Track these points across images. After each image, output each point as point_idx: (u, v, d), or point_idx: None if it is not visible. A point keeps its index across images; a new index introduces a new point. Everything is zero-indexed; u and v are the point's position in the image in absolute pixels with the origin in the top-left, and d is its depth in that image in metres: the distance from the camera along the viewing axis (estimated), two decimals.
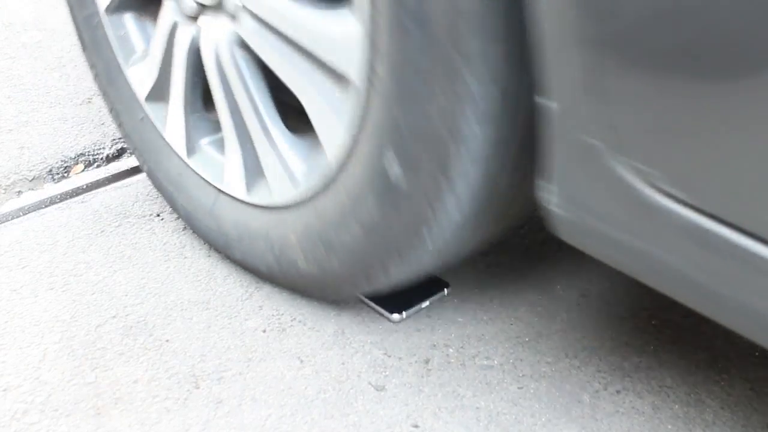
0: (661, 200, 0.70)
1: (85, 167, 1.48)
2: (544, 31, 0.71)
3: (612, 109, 0.70)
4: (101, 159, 1.50)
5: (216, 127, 1.15)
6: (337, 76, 0.91)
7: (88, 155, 1.50)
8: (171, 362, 1.07)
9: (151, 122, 1.21)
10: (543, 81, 0.74)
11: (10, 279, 1.21)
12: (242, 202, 1.10)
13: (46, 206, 1.37)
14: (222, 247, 1.18)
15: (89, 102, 1.67)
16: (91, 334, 1.11)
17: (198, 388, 1.04)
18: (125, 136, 1.29)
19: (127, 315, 1.14)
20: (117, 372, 1.05)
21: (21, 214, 1.35)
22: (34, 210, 1.36)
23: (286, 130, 1.05)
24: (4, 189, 1.42)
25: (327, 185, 0.96)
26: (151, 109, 1.21)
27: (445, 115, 0.80)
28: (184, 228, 1.31)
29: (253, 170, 1.09)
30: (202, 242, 1.27)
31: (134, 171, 1.47)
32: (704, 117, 0.64)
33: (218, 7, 1.03)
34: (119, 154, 1.53)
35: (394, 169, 0.86)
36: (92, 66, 1.27)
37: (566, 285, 1.20)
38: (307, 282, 1.07)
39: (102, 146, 1.53)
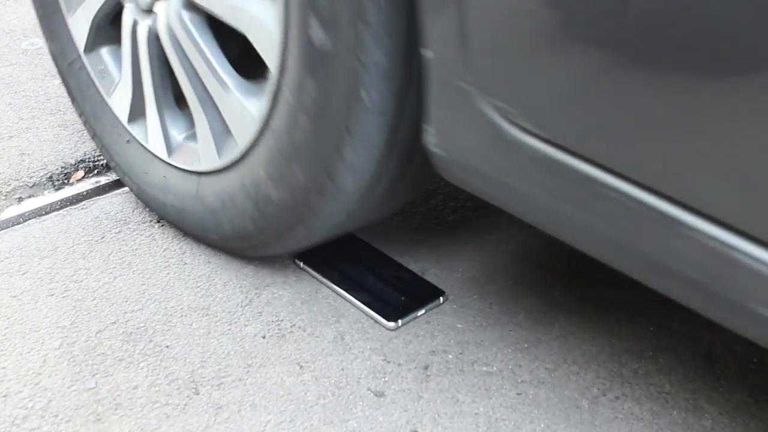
0: (518, 134, 0.82)
1: (86, 174, 1.48)
2: None
3: (477, 55, 0.82)
4: (101, 166, 1.51)
5: (190, 121, 1.21)
6: None
7: (89, 162, 1.50)
8: (171, 368, 1.07)
9: (137, 141, 1.28)
10: (423, 34, 0.86)
11: (10, 285, 1.21)
12: (218, 171, 1.15)
13: (46, 213, 1.38)
14: (207, 224, 1.21)
15: None
16: (91, 340, 1.12)
17: (198, 394, 1.04)
18: (116, 167, 1.35)
19: (127, 321, 1.15)
20: (117, 378, 1.06)
21: (21, 220, 1.36)
22: (35, 216, 1.37)
23: (238, 76, 1.11)
24: (5, 195, 1.42)
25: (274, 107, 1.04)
26: (134, 129, 1.28)
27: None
28: (184, 234, 1.31)
29: (221, 133, 1.14)
30: (202, 248, 1.28)
31: None
32: (543, 62, 0.77)
33: None
34: None
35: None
36: (81, 113, 1.38)
37: (565, 291, 1.20)
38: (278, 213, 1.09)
39: None
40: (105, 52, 1.32)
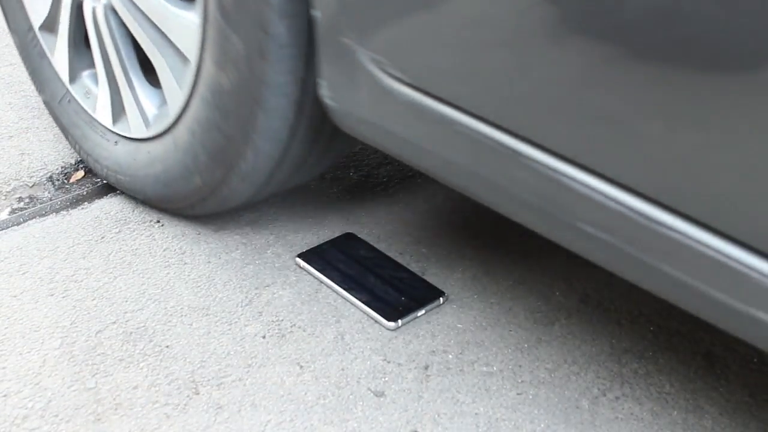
0: (391, 83, 0.93)
1: (86, 174, 1.48)
2: None
3: (355, 13, 0.93)
4: None
5: (161, 96, 1.28)
6: None
7: None
8: (171, 368, 1.07)
9: (123, 137, 1.34)
10: None
11: (10, 285, 1.21)
12: (183, 109, 1.22)
13: (46, 213, 1.38)
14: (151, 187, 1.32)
15: None
16: (91, 339, 1.12)
17: (198, 393, 1.04)
18: (108, 174, 1.40)
19: (127, 321, 1.15)
20: (117, 378, 1.06)
21: (21, 220, 1.36)
22: (35, 216, 1.37)
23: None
24: (5, 195, 1.42)
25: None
26: (119, 128, 1.35)
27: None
28: (184, 234, 1.31)
29: (177, 64, 1.21)
30: (202, 248, 1.28)
31: None
32: (404, 18, 0.88)
33: None
34: None
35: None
36: (75, 143, 1.45)
37: (565, 291, 1.20)
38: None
39: None
40: (86, 76, 1.40)
